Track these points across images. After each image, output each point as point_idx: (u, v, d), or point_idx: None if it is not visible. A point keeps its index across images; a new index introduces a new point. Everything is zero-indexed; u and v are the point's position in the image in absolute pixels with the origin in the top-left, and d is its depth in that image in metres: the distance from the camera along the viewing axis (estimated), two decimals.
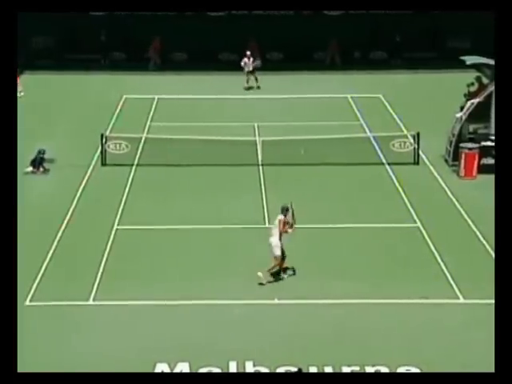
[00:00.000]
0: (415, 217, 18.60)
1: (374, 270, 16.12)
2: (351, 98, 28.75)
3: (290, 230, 15.53)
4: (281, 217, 15.52)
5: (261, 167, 21.79)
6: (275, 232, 15.49)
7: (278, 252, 15.41)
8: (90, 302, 14.91)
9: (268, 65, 33.34)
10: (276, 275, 15.54)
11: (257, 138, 23.26)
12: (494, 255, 16.50)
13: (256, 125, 25.29)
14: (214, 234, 17.82)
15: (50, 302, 14.71)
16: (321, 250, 17.06)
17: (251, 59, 30.19)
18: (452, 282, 15.59)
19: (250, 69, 30.11)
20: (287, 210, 15.57)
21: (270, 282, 15.44)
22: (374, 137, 23.58)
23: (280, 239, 15.47)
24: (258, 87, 30.00)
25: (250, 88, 29.94)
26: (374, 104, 28.19)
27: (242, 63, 30.17)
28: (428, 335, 13.77)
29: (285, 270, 15.62)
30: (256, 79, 30.07)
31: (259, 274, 15.32)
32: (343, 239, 17.56)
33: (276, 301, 14.92)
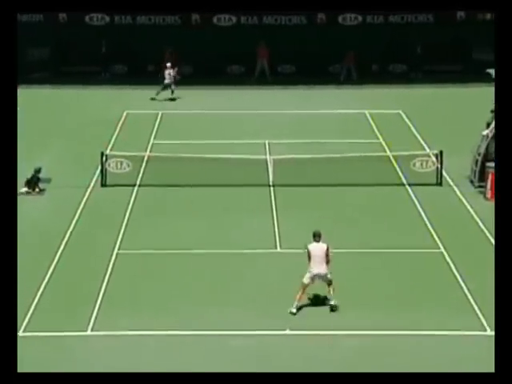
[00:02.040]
0: (438, 242, 18.60)
1: (392, 298, 16.11)
2: (369, 113, 28.86)
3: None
4: (324, 245, 15.53)
5: (272, 188, 21.87)
6: (323, 261, 15.42)
7: (331, 275, 15.48)
8: (88, 332, 14.94)
9: (280, 78, 33.56)
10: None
11: (267, 157, 23.36)
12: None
13: (267, 142, 25.41)
14: (221, 259, 17.86)
15: (45, 333, 14.74)
16: (337, 276, 17.03)
17: (171, 71, 30.50)
18: (478, 312, 15.55)
19: (170, 81, 30.48)
20: (320, 236, 15.63)
21: (299, 310, 15.39)
22: (393, 156, 23.63)
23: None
24: (172, 99, 30.48)
25: (153, 99, 30.38)
26: (394, 120, 28.28)
27: (169, 75, 30.53)
28: (452, 368, 13.71)
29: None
30: (172, 92, 30.53)
31: (334, 302, 15.47)
32: (360, 265, 17.56)
33: (288, 331, 14.91)
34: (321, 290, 15.95)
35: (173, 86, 30.59)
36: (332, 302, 15.55)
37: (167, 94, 30.97)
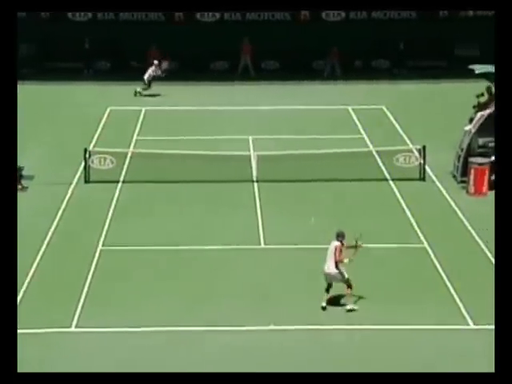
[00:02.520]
0: (421, 236, 18.66)
1: (377, 293, 16.14)
2: (352, 109, 28.90)
3: (345, 260, 15.32)
4: (337, 243, 15.32)
5: (256, 184, 21.85)
6: (330, 260, 15.34)
7: (345, 275, 15.28)
8: (73, 328, 14.88)
9: (263, 74, 33.54)
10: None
11: (251, 153, 23.35)
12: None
13: (251, 138, 25.39)
14: (205, 255, 17.84)
15: (29, 330, 14.66)
16: (318, 272, 17.06)
17: (157, 69, 30.46)
18: (461, 306, 15.62)
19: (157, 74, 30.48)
20: (343, 236, 15.43)
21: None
22: (376, 151, 23.69)
23: (337, 267, 15.29)
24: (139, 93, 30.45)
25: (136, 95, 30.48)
26: (377, 116, 28.34)
27: (154, 73, 30.50)
28: (437, 362, 13.77)
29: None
30: (146, 89, 30.56)
31: (350, 307, 15.31)
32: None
33: (272, 326, 14.92)
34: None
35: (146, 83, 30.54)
36: (348, 307, 15.34)
37: (152, 90, 30.88)
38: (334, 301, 15.72)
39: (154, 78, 30.68)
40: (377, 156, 23.43)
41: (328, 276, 15.46)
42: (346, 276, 15.40)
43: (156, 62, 30.60)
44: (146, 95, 30.43)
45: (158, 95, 30.82)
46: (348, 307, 15.39)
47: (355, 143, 24.81)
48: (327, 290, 15.57)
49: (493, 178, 21.14)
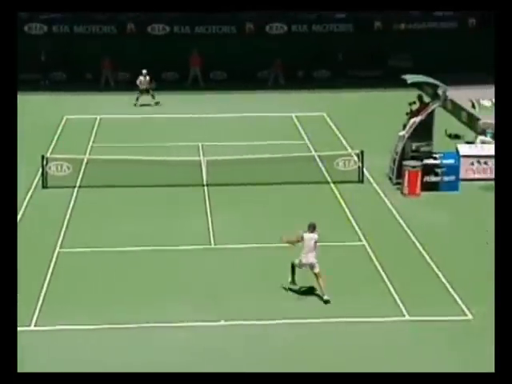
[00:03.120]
0: (360, 235, 18.88)
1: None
2: (295, 116, 29.08)
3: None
4: (315, 236, 15.70)
5: (206, 188, 21.85)
6: (310, 252, 15.59)
7: (318, 268, 15.63)
8: (32, 327, 14.70)
9: (212, 84, 33.55)
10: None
11: (201, 158, 23.33)
12: (437, 271, 16.88)
13: (200, 145, 25.38)
14: (158, 256, 17.78)
15: None
16: (267, 269, 17.16)
17: (147, 78, 30.26)
18: (398, 299, 15.85)
19: (145, 87, 30.30)
20: (314, 227, 15.72)
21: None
22: (318, 155, 23.88)
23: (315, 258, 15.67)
24: (157, 103, 30.35)
25: (142, 105, 30.24)
26: (318, 123, 28.57)
27: (138, 81, 30.42)
28: (376, 353, 13.96)
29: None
30: (153, 96, 30.36)
31: (327, 297, 15.51)
32: (288, 259, 17.69)
33: (222, 322, 14.95)
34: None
35: (151, 91, 30.31)
36: (325, 298, 15.52)
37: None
38: (277, 296, 15.80)
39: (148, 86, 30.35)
40: (318, 160, 23.62)
41: (306, 266, 15.65)
42: (319, 269, 15.67)
43: (144, 71, 30.17)
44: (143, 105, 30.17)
45: (113, 104, 30.58)
46: (326, 297, 15.51)
47: (299, 148, 24.97)
48: (293, 278, 15.76)
49: (425, 179, 21.55)
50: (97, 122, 28.21)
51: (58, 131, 27.04)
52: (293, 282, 15.87)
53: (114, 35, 33.90)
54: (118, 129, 27.47)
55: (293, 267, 15.81)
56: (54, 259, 17.44)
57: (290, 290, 15.90)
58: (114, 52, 33.08)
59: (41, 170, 21.98)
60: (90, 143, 25.80)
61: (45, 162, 21.89)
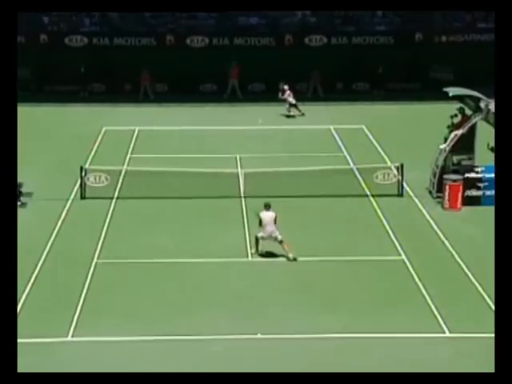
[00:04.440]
0: (400, 249, 18.72)
1: (358, 303, 16.18)
2: (334, 129, 29.02)
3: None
4: (271, 213, 18.16)
5: (243, 199, 21.88)
6: (272, 225, 18.07)
7: (280, 236, 18.08)
8: (69, 338, 14.82)
9: (250, 96, 33.66)
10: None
11: (239, 170, 23.39)
12: (478, 286, 16.66)
13: (238, 156, 25.44)
14: (195, 268, 17.83)
15: (28, 339, 14.59)
16: (305, 283, 17.11)
17: (288, 92, 30.56)
18: (438, 315, 15.67)
19: (293, 102, 30.64)
20: (270, 206, 18.30)
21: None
22: (356, 168, 23.78)
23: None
24: (303, 114, 30.77)
25: (289, 116, 30.60)
26: (357, 135, 28.47)
27: (285, 96, 30.71)
28: (414, 368, 13.80)
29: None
30: (298, 109, 30.83)
31: (293, 255, 17.96)
32: (327, 272, 17.62)
33: (259, 336, 14.91)
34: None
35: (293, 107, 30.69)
36: (290, 256, 17.87)
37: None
38: (316, 310, 15.73)
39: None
40: (357, 173, 23.52)
41: (270, 237, 18.06)
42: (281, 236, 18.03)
43: (286, 86, 30.65)
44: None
45: (151, 116, 30.85)
46: (291, 256, 17.84)
47: (337, 161, 24.90)
48: (257, 248, 18.17)
49: (466, 194, 21.31)
50: (135, 134, 28.46)
51: (97, 142, 27.34)
52: (257, 251, 18.18)
53: (153, 47, 34.25)
54: (156, 140, 27.68)
55: (256, 239, 18.19)
56: (91, 270, 17.58)
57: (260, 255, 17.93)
58: (152, 64, 33.38)
59: (79, 181, 22.22)
60: (129, 154, 26.03)
61: (83, 173, 22.13)
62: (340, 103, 32.58)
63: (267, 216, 18.17)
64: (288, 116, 30.74)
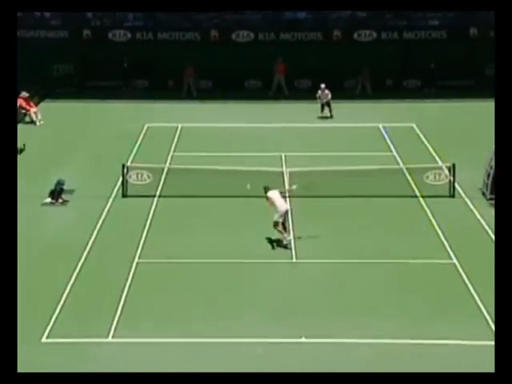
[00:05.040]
0: (451, 253, 18.50)
1: (407, 308, 16.03)
2: (382, 127, 28.81)
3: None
4: (275, 191, 18.89)
5: (288, 199, 21.82)
6: (282, 199, 18.80)
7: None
8: (109, 339, 14.96)
9: (296, 93, 33.60)
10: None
11: (284, 169, 23.36)
12: None
13: (283, 155, 25.42)
14: (238, 268, 17.85)
15: (68, 339, 14.77)
16: (351, 286, 17.02)
17: (325, 91, 30.19)
18: (490, 321, 15.44)
19: (324, 101, 30.25)
20: (267, 187, 19.05)
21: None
22: (406, 168, 23.57)
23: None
24: (331, 116, 30.25)
25: (322, 118, 30.31)
26: (407, 134, 28.22)
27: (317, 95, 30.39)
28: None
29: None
30: (330, 110, 30.27)
31: (289, 239, 18.63)
32: (375, 275, 17.50)
33: (303, 339, 14.87)
34: None
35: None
36: (286, 240, 18.47)
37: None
38: (363, 314, 15.64)
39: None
40: (407, 173, 23.31)
41: (287, 214, 18.83)
42: None
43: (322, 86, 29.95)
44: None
45: (194, 112, 31.01)
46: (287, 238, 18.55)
47: (386, 160, 24.71)
48: (285, 229, 18.65)
49: None
50: (178, 131, 28.64)
51: (139, 139, 27.56)
52: (284, 237, 18.46)
53: (197, 42, 34.40)
54: (200, 138, 27.80)
55: (277, 224, 18.44)
56: (132, 270, 17.73)
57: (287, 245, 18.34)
58: (196, 59, 33.55)
59: (121, 179, 22.42)
60: (171, 152, 26.19)
61: (125, 171, 22.32)
62: (389, 101, 32.34)
63: (275, 193, 18.75)
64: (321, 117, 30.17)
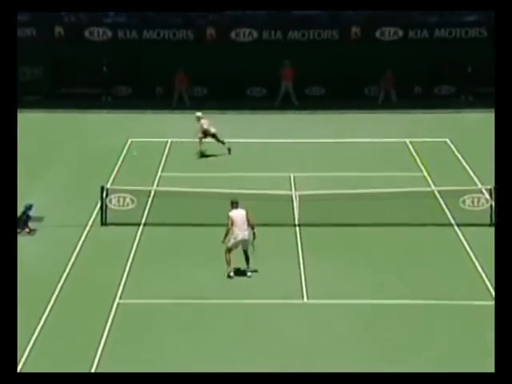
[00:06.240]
0: (493, 293, 18.52)
1: (437, 358, 16.04)
2: (410, 142, 28.95)
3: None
4: (244, 210, 18.95)
5: (297, 228, 21.93)
6: (245, 225, 18.83)
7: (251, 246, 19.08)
8: None
9: (307, 102, 33.80)
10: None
11: (293, 192, 23.47)
12: None
13: (292, 175, 25.54)
14: (238, 311, 17.91)
15: None
16: (371, 330, 17.03)
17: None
18: None
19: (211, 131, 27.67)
20: (237, 202, 19.15)
21: None
22: (439, 191, 23.67)
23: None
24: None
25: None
26: (440, 150, 28.35)
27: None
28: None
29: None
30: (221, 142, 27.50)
31: (231, 274, 19.01)
32: (399, 318, 17.52)
33: None
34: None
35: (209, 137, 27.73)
36: (249, 274, 18.99)
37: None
38: (391, 363, 15.66)
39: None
40: (439, 197, 23.39)
41: (246, 242, 18.83)
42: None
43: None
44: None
45: (186, 125, 31.18)
46: (249, 274, 19.00)
47: (414, 182, 24.81)
48: (247, 260, 18.98)
49: None
50: (167, 147, 28.81)
51: (121, 157, 27.73)
52: (229, 269, 18.90)
53: (190, 42, 34.65)
54: (192, 155, 27.97)
55: (227, 251, 18.82)
56: (112, 312, 17.77)
57: (243, 272, 19.01)
58: (189, 62, 33.80)
59: (100, 204, 22.55)
60: (159, 172, 26.34)
61: (104, 194, 22.46)
62: (418, 111, 32.52)
63: (239, 214, 18.81)
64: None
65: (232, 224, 18.78)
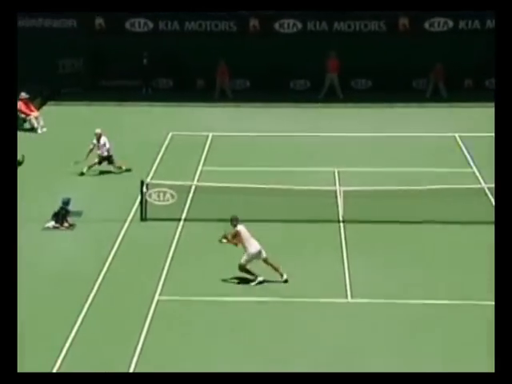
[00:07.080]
0: None
1: (484, 359, 15.95)
2: (459, 137, 28.80)
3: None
4: (242, 227, 19.04)
5: (342, 224, 21.93)
6: (252, 238, 18.93)
7: (265, 253, 18.96)
8: None
9: (353, 95, 33.73)
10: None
11: (337, 188, 23.48)
12: None
13: (336, 171, 25.54)
14: (279, 309, 17.97)
15: None
16: (415, 331, 17.01)
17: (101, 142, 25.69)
18: None
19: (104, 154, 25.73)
20: (237, 219, 19.15)
21: None
22: (489, 188, 23.52)
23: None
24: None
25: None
26: (491, 146, 28.11)
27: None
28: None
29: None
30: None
31: (285, 276, 18.91)
32: (444, 319, 17.48)
33: None
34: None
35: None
36: (284, 276, 18.86)
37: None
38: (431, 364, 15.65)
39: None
40: (490, 194, 23.26)
41: (261, 253, 18.82)
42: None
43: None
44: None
45: (228, 118, 31.29)
46: (285, 276, 18.86)
47: (464, 179, 24.69)
48: (275, 267, 18.87)
49: None
50: (208, 141, 28.93)
51: (162, 151, 27.90)
52: (255, 277, 18.80)
53: (233, 34, 34.70)
54: (234, 149, 28.06)
55: (244, 268, 18.74)
56: (152, 309, 17.93)
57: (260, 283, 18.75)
58: (232, 54, 33.87)
59: (139, 199, 22.72)
60: (200, 166, 26.47)
61: (144, 189, 22.62)
62: (469, 105, 32.30)
63: (244, 229, 18.96)
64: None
65: (241, 240, 18.87)
